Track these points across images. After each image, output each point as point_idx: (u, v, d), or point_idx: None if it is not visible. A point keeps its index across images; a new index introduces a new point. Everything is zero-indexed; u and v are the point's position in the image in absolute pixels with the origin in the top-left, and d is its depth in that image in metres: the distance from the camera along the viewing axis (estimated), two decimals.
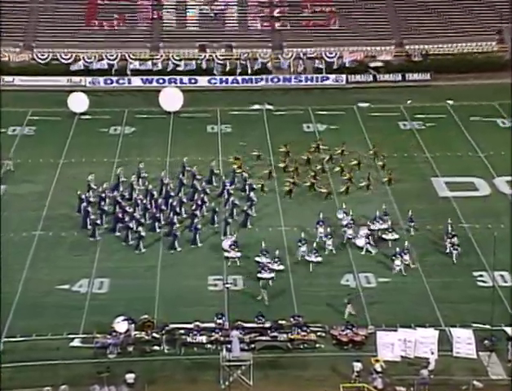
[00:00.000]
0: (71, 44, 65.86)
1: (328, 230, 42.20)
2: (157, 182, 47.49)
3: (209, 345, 35.21)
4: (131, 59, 65.18)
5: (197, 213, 44.18)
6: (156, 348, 35.37)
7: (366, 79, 65.20)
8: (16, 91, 60.85)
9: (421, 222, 44.75)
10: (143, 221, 43.67)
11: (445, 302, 38.46)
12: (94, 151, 53.36)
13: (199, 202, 45.09)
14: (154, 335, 35.63)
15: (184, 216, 44.63)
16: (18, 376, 33.39)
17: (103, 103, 60.42)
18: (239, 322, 35.82)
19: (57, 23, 67.58)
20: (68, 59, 64.99)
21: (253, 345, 35.11)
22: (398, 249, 40.96)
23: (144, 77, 64.12)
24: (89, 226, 43.74)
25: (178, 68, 64.80)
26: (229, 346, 33.98)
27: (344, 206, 44.53)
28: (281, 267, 39.73)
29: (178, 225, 42.95)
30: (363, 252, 41.56)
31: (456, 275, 40.24)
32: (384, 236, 41.75)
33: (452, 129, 56.82)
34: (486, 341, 35.37)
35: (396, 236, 41.77)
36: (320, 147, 51.53)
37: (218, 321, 35.94)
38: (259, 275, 39.27)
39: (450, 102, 60.78)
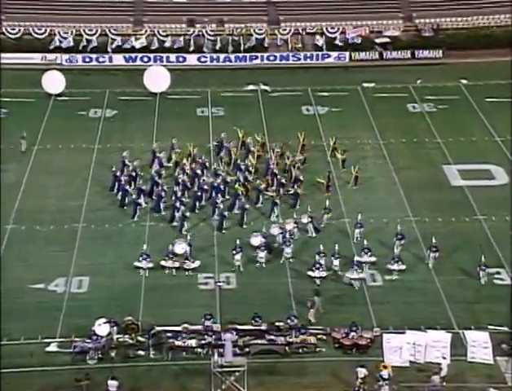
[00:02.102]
0: (45, 17, 65.60)
1: (263, 241, 41.15)
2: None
3: (199, 349, 35.24)
4: (112, 34, 64.99)
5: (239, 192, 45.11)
6: (141, 352, 35.37)
7: (371, 56, 65.15)
8: None
9: (432, 214, 44.90)
10: (184, 200, 44.35)
11: (458, 302, 38.53)
12: (72, 136, 53.22)
13: (240, 179, 45.88)
14: (139, 338, 35.63)
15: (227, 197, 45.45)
16: None
17: (81, 83, 60.20)
18: (232, 325, 35.87)
19: None
20: (42, 33, 64.81)
21: (247, 349, 35.14)
22: (322, 247, 40.48)
23: (127, 55, 63.99)
24: (126, 207, 44.74)
25: (165, 45, 64.65)
26: (221, 350, 34.02)
27: (309, 209, 43.82)
28: (197, 264, 40.05)
29: (222, 206, 43.73)
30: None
31: (470, 273, 40.28)
32: (389, 266, 39.99)
33: (465, 112, 56.86)
34: (503, 345, 35.42)
35: (403, 267, 39.89)
36: (266, 144, 50.48)
37: (207, 323, 35.95)
38: (309, 273, 39.49)
39: (464, 81, 60.79)
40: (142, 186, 45.70)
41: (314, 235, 42.79)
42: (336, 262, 39.94)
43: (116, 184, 46.16)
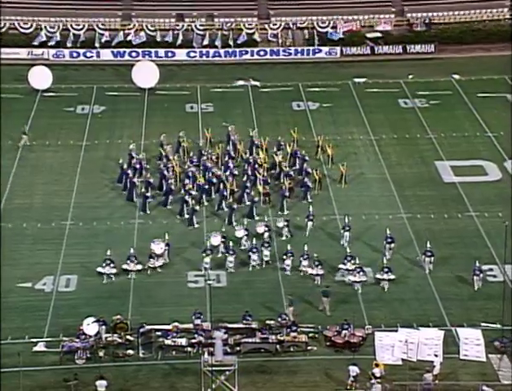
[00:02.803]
0: (31, 11, 65.38)
1: (230, 244, 40.73)
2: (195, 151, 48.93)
3: (189, 348, 35.21)
4: (100, 29, 64.87)
5: (248, 184, 45.35)
6: (131, 352, 35.32)
7: (363, 51, 65.26)
8: None
9: (424, 210, 45.06)
10: (193, 193, 44.81)
11: (451, 299, 38.63)
12: (60, 132, 53.19)
13: (249, 172, 46.21)
14: (128, 337, 35.61)
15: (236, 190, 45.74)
16: None
17: (68, 79, 60.15)
18: (223, 323, 35.88)
19: None
20: (28, 28, 64.63)
21: (238, 348, 35.18)
22: (289, 247, 40.46)
23: (115, 50, 63.89)
24: (135, 199, 45.06)
25: (153, 40, 64.55)
26: (211, 349, 34.05)
27: (285, 213, 43.74)
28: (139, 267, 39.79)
29: (231, 199, 44.17)
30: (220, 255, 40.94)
31: (462, 269, 40.39)
32: (378, 276, 39.10)
33: (458, 107, 57.02)
34: (496, 342, 35.59)
35: (392, 277, 38.98)
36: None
37: (196, 321, 35.97)
38: (307, 270, 39.37)
39: (456, 76, 60.96)
40: (150, 179, 45.86)
41: (289, 237, 42.20)
42: (304, 263, 39.73)
43: (124, 177, 46.46)
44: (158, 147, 49.46)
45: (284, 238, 42.33)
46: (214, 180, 45.81)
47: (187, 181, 45.45)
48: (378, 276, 39.32)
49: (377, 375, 33.31)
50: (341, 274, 39.70)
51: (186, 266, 40.75)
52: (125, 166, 46.81)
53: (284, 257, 40.13)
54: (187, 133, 51.37)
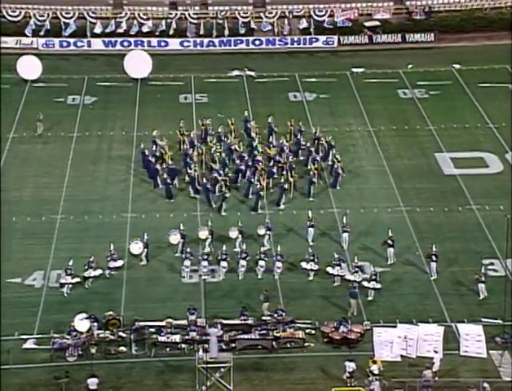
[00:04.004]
0: None
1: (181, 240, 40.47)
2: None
3: (183, 345, 35.26)
4: (91, 17, 64.74)
5: (274, 170, 45.89)
6: (123, 349, 35.38)
7: (361, 41, 65.21)
8: None
9: (424, 203, 45.12)
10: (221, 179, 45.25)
11: (451, 294, 38.73)
12: (50, 124, 53.00)
13: (277, 158, 46.71)
14: (120, 334, 35.66)
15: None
16: None
17: (58, 69, 60.02)
18: (218, 319, 35.91)
19: None
20: (17, 16, 64.45)
21: (233, 345, 35.22)
22: (262, 248, 40.17)
23: (107, 39, 63.76)
24: (160, 186, 45.71)
25: (146, 29, 64.46)
26: (206, 346, 34.10)
27: (267, 220, 42.59)
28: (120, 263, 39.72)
29: (258, 185, 44.55)
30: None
31: (463, 264, 40.51)
32: (365, 283, 38.05)
33: (458, 98, 57.04)
34: (497, 338, 35.70)
35: (378, 286, 37.95)
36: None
37: (191, 317, 36.00)
38: (302, 264, 39.32)
39: (457, 66, 60.98)
40: (173, 166, 46.06)
41: (268, 247, 40.84)
42: (279, 264, 39.41)
43: (147, 164, 47.00)
44: (178, 133, 49.37)
45: (262, 248, 40.47)
46: (243, 167, 46.00)
47: (215, 166, 45.86)
48: (365, 283, 38.35)
49: (376, 371, 33.38)
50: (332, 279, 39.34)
51: (178, 262, 40.72)
52: (147, 152, 47.10)
53: (257, 257, 39.51)
54: (180, 124, 51.32)
